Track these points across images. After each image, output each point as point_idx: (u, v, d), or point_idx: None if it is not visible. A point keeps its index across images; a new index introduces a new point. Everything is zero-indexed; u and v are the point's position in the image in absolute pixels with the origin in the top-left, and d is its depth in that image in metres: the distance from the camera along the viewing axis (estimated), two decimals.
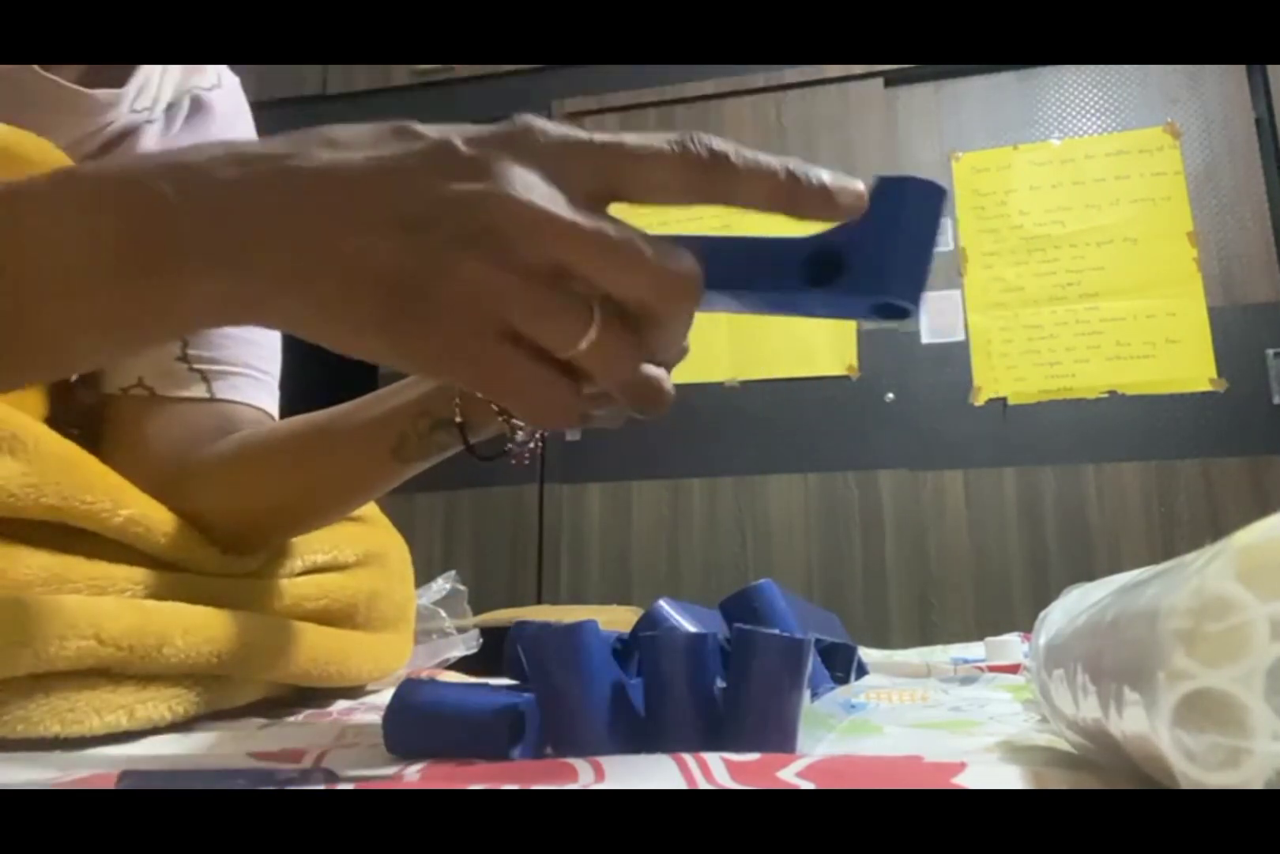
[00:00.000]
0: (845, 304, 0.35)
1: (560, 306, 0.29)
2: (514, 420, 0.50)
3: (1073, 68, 2.32)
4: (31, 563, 0.44)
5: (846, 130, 2.42)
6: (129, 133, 0.62)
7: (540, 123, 0.31)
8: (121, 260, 0.30)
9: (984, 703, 0.58)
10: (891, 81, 2.41)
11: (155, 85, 0.63)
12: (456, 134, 0.30)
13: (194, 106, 0.67)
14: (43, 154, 0.55)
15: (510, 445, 0.51)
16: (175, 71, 0.65)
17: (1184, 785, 0.19)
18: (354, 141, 0.30)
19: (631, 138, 0.31)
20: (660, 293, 0.30)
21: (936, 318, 2.29)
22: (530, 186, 0.29)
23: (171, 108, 0.65)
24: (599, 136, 0.30)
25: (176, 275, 0.30)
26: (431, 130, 0.30)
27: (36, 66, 0.55)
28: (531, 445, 0.51)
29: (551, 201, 0.29)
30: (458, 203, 0.29)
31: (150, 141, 0.63)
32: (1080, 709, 0.29)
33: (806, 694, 0.35)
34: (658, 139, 0.31)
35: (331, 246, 0.29)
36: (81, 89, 0.57)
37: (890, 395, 2.25)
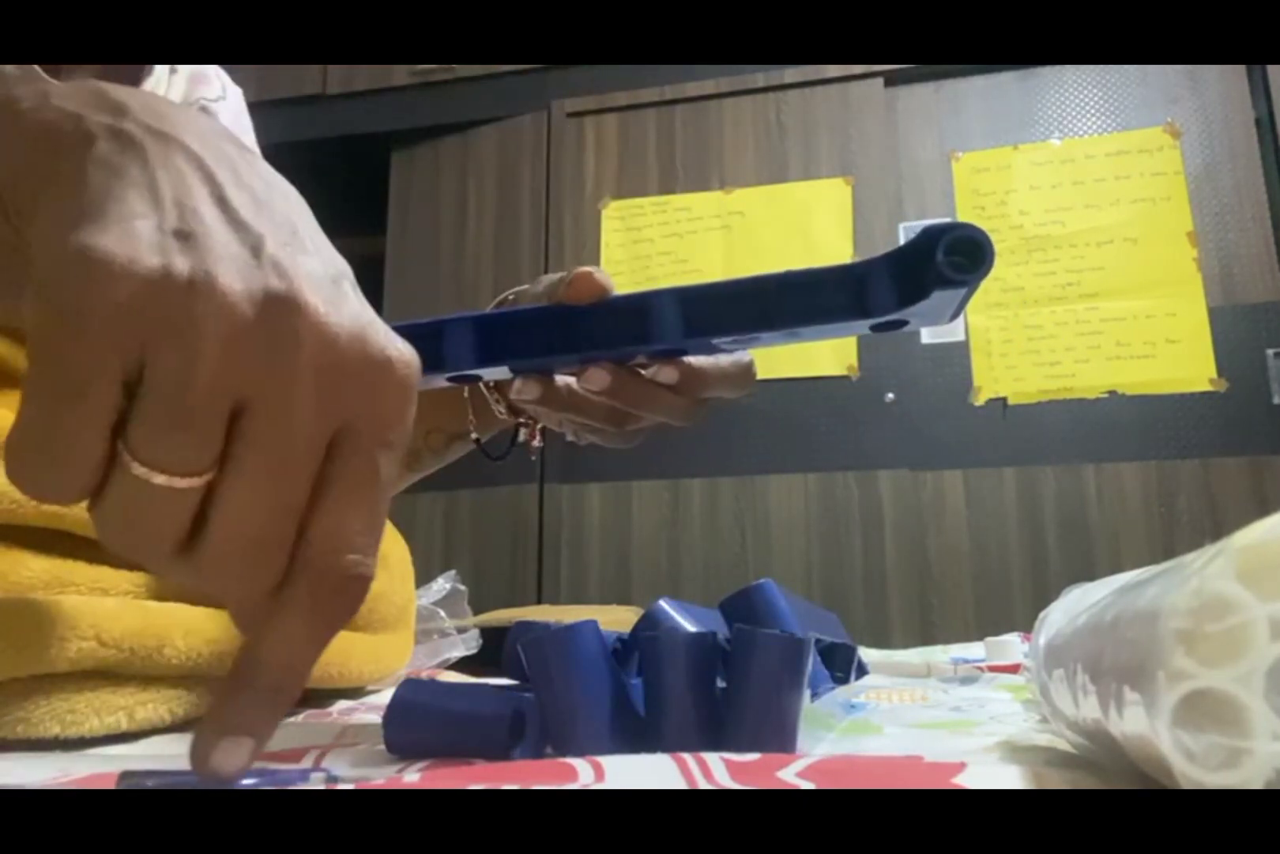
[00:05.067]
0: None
1: (197, 420, 0.22)
2: (521, 419, 0.51)
3: (1073, 68, 2.32)
4: (34, 566, 0.44)
5: (846, 130, 2.42)
6: None
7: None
8: None
9: (984, 703, 0.58)
10: (891, 81, 2.41)
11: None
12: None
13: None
14: None
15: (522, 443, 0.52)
16: (180, 82, 0.65)
17: (1184, 785, 0.19)
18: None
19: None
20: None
21: None
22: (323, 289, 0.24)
23: None
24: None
25: None
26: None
27: (38, 69, 0.55)
28: (537, 443, 0.53)
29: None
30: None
31: None
32: (1080, 709, 0.29)
33: (806, 694, 0.35)
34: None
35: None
36: None
37: (890, 395, 2.25)
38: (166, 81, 0.64)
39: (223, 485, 0.23)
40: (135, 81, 0.61)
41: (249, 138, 0.72)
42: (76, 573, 0.45)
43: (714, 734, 0.34)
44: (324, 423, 0.23)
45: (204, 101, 0.67)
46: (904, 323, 0.34)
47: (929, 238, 0.31)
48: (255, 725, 0.25)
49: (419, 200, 2.70)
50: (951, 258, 0.30)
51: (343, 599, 0.24)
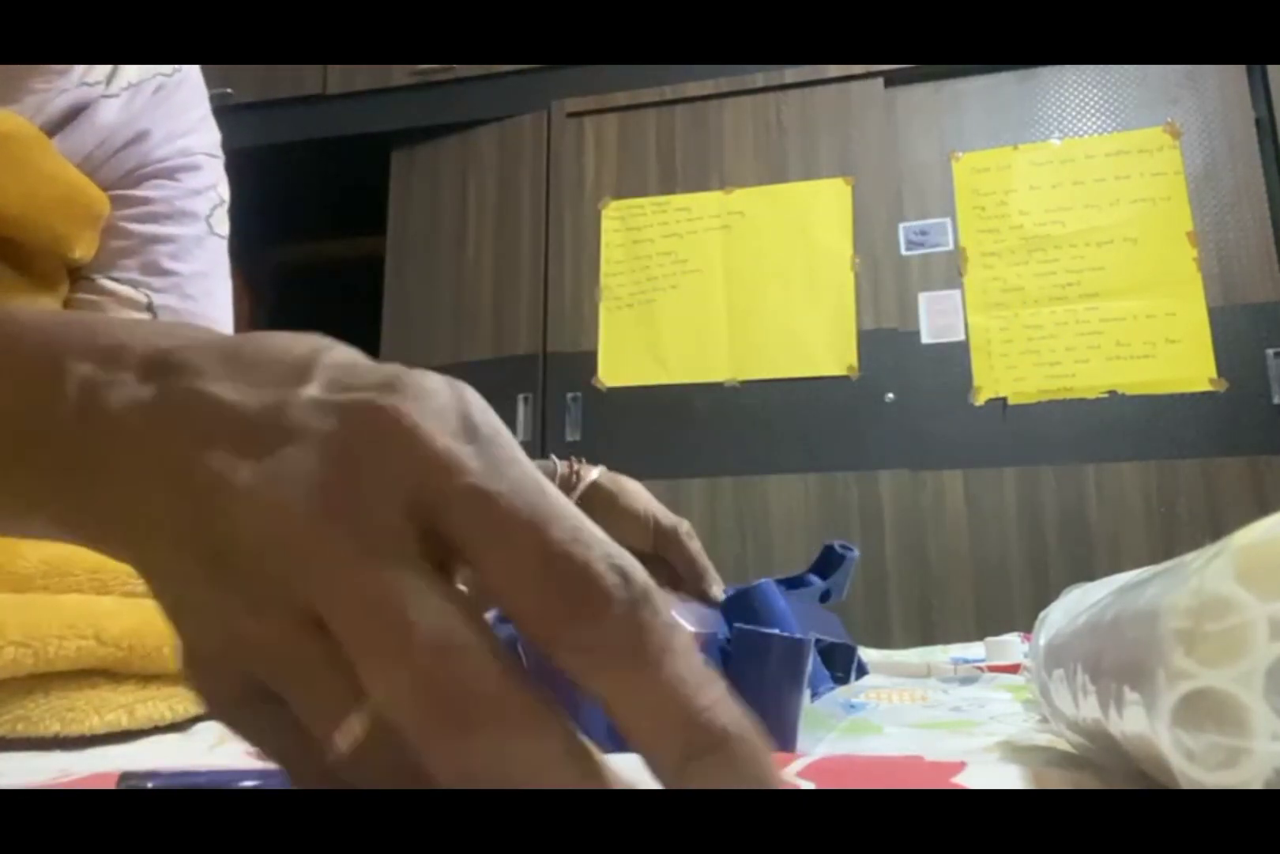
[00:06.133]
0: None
1: (318, 673, 0.18)
2: None
3: (1073, 68, 2.32)
4: (31, 556, 0.44)
5: (846, 130, 2.42)
6: (82, 107, 0.62)
7: (418, 384, 0.19)
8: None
9: (984, 703, 0.58)
10: (891, 81, 2.41)
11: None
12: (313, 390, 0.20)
13: (158, 88, 0.67)
14: (24, 130, 0.55)
15: None
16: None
17: (1184, 785, 0.19)
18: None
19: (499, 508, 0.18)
20: (419, 710, 0.17)
21: (936, 318, 2.29)
22: (306, 487, 0.18)
23: (134, 87, 0.66)
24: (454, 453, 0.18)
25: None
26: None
27: None
28: None
29: (329, 516, 0.18)
30: (215, 496, 0.19)
31: (110, 115, 0.64)
32: (1080, 709, 0.29)
33: (806, 694, 0.35)
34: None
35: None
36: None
37: (890, 395, 2.25)
38: None
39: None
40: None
41: (204, 103, 0.73)
42: (75, 563, 0.45)
43: None
44: None
45: (160, 76, 0.68)
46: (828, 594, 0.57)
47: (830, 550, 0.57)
48: None
49: (419, 200, 2.70)
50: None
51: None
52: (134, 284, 0.65)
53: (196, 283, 0.68)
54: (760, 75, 2.47)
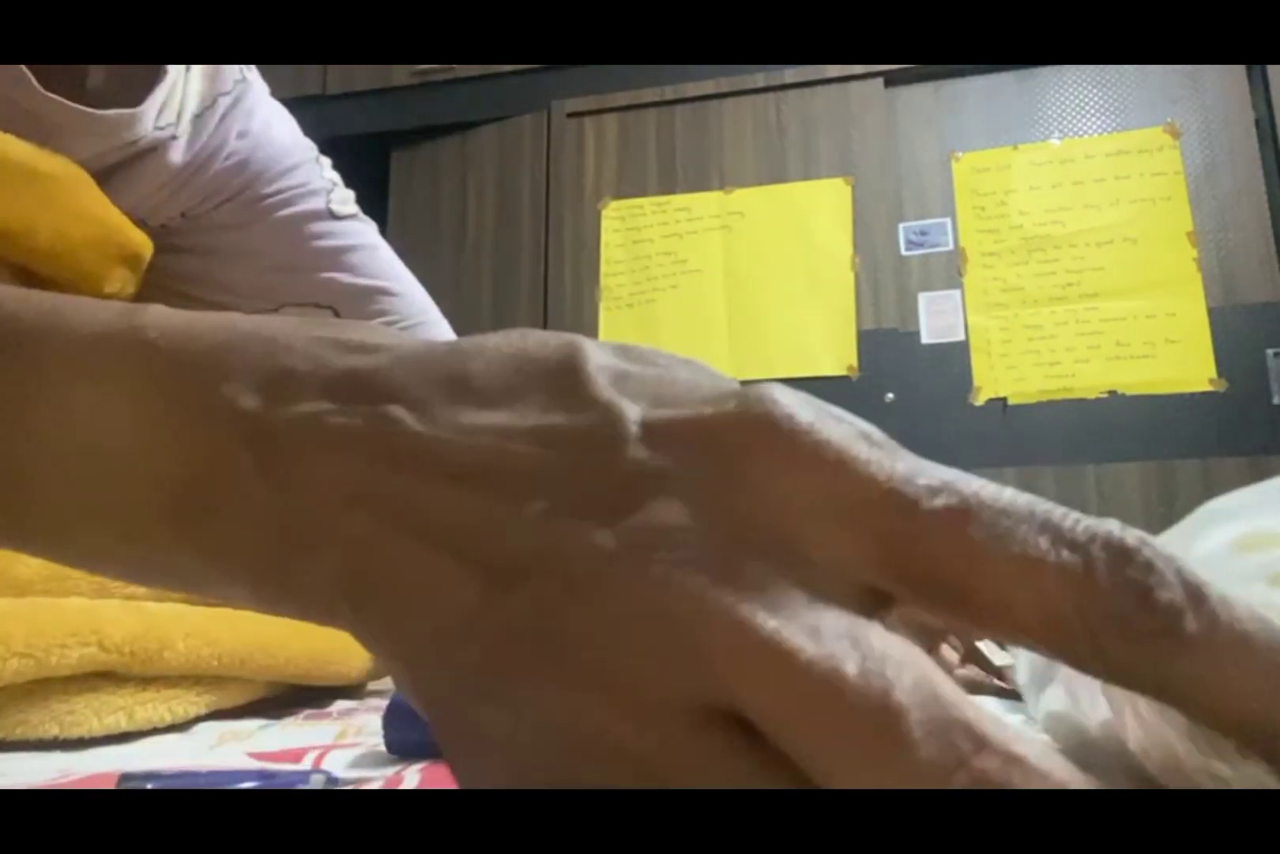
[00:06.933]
0: None
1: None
2: None
3: (1073, 68, 2.32)
4: (31, 561, 0.44)
5: (846, 130, 2.42)
6: (153, 149, 0.62)
7: (784, 402, 0.15)
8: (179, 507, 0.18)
9: (983, 703, 0.58)
10: (891, 81, 2.41)
11: (178, 100, 0.63)
12: (635, 408, 0.16)
13: (224, 114, 0.67)
14: (65, 171, 0.55)
15: None
16: (196, 83, 0.65)
17: (1185, 785, 0.19)
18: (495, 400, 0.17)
19: (983, 495, 0.14)
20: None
21: (936, 318, 2.29)
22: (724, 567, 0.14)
23: (198, 119, 0.65)
24: (896, 477, 0.14)
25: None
26: (602, 388, 0.16)
27: (39, 86, 0.54)
28: None
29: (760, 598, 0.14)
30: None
31: (176, 156, 0.63)
32: (1080, 709, 0.29)
33: None
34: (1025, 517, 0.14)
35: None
36: (89, 110, 0.57)
37: (890, 395, 2.25)
38: (182, 84, 0.63)
39: None
40: (150, 84, 0.60)
41: (266, 117, 0.72)
42: None
43: None
44: None
45: (224, 99, 0.67)
46: None
47: None
48: None
49: (419, 200, 2.70)
50: None
51: None
52: (315, 304, 0.67)
53: (363, 258, 0.71)
54: (760, 75, 2.47)
